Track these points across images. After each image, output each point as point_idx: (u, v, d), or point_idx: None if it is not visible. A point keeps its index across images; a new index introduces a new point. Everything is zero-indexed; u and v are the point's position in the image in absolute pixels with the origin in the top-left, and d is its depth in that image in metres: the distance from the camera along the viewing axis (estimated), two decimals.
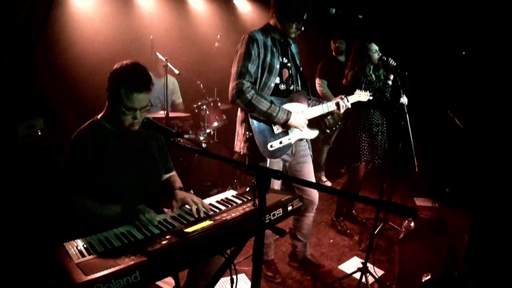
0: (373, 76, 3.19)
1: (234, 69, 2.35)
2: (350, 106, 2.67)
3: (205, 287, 1.81)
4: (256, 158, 2.39)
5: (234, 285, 1.59)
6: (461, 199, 4.03)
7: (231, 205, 1.79)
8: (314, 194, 2.68)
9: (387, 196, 3.41)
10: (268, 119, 2.36)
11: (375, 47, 3.12)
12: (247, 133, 2.40)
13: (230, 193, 1.96)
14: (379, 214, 2.62)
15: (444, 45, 4.45)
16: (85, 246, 1.40)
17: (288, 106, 2.46)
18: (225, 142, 4.23)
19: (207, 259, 1.83)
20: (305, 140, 2.65)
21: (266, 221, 1.61)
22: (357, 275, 2.61)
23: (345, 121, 3.40)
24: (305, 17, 2.32)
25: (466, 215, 3.43)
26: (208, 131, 4.07)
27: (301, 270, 2.91)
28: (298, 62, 2.60)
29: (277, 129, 2.43)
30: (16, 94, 2.71)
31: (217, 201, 1.85)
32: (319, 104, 2.62)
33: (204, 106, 4.00)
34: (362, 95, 2.84)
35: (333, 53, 4.58)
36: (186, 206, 1.76)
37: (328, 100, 2.74)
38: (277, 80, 2.43)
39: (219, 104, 4.24)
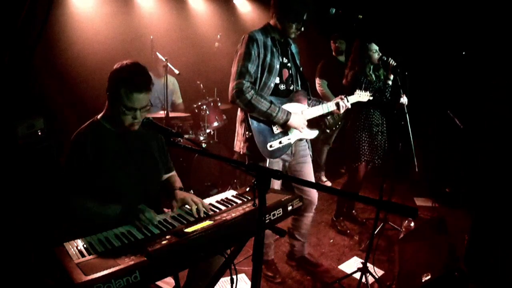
0: (373, 76, 3.19)
1: (234, 69, 2.35)
2: (350, 107, 2.67)
3: (205, 287, 1.81)
4: (256, 158, 2.39)
5: (234, 285, 1.59)
6: (461, 199, 4.03)
7: (231, 205, 1.79)
8: (314, 194, 2.68)
9: (387, 196, 3.41)
10: (268, 119, 2.36)
11: (375, 47, 3.12)
12: (247, 133, 2.40)
13: (230, 193, 1.96)
14: (379, 214, 2.62)
15: (444, 45, 4.45)
16: (85, 246, 1.40)
17: (288, 106, 2.46)
18: (225, 142, 4.23)
19: (207, 259, 1.83)
20: (305, 140, 2.65)
21: (266, 221, 1.61)
22: (357, 275, 2.61)
23: (345, 121, 3.40)
24: (305, 17, 2.32)
25: (466, 215, 3.43)
26: (208, 131, 4.07)
27: (301, 270, 2.91)
28: (298, 62, 2.60)
29: (276, 129, 2.43)
30: (16, 94, 2.71)
31: (217, 201, 1.85)
32: (319, 104, 2.62)
33: (204, 106, 4.00)
34: (362, 95, 2.84)
35: (333, 53, 4.58)
36: (186, 206, 1.76)
37: (328, 100, 2.74)
38: (277, 80, 2.43)
39: (219, 104, 4.24)
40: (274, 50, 2.40)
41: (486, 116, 3.54)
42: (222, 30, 4.82)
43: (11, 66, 2.44)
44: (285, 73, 2.49)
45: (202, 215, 1.68)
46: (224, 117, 4.26)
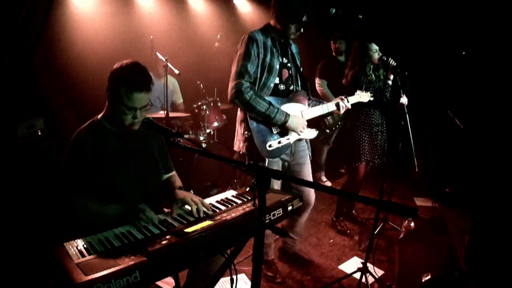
0: (373, 76, 3.19)
1: (233, 69, 2.36)
2: (350, 107, 2.67)
3: (205, 287, 1.81)
4: (255, 157, 2.39)
5: (234, 285, 1.59)
6: (461, 199, 4.03)
7: (231, 205, 1.79)
8: (311, 195, 2.69)
9: (387, 196, 3.41)
10: (267, 120, 2.37)
11: (375, 47, 3.12)
12: (246, 132, 2.40)
13: (230, 193, 1.95)
14: (379, 214, 2.62)
15: (444, 45, 4.45)
16: (85, 246, 1.40)
17: (287, 106, 2.46)
18: (225, 142, 4.23)
19: (207, 259, 1.83)
20: (304, 141, 2.65)
21: (266, 221, 1.61)
22: (357, 275, 2.61)
23: (345, 121, 3.40)
24: (304, 18, 2.32)
25: (466, 215, 3.43)
26: (208, 131, 4.07)
27: (301, 270, 2.91)
28: (298, 62, 2.60)
29: (276, 129, 2.43)
30: (16, 94, 2.71)
31: (217, 201, 1.85)
32: (319, 104, 2.62)
33: (204, 106, 4.00)
34: (362, 96, 2.85)
35: (333, 53, 4.58)
36: (186, 206, 1.76)
37: (328, 100, 2.74)
38: (277, 80, 2.43)
39: (219, 104, 4.24)
40: (274, 50, 2.40)
41: (486, 116, 3.54)
42: (222, 30, 4.82)
43: (11, 66, 2.44)
44: (285, 73, 2.49)
45: (202, 215, 1.68)
46: (224, 117, 4.26)
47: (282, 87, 2.47)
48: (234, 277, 1.58)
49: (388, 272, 2.90)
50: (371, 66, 3.19)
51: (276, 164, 2.49)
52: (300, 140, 2.60)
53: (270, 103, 2.32)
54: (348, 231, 3.51)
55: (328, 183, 4.77)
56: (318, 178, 4.78)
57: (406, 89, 3.01)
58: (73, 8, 3.82)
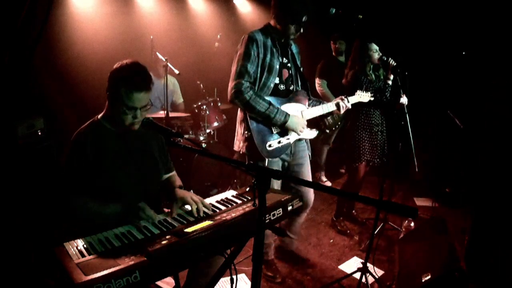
0: (373, 75, 3.20)
1: (233, 69, 2.36)
2: (350, 107, 2.67)
3: (205, 287, 1.81)
4: (255, 157, 2.39)
5: (234, 285, 1.59)
6: (461, 199, 4.03)
7: (231, 205, 1.78)
8: (311, 195, 2.69)
9: (387, 196, 3.41)
10: (266, 120, 2.37)
11: (375, 46, 3.12)
12: (246, 132, 2.40)
13: (230, 193, 1.95)
14: (379, 214, 2.62)
15: (444, 45, 4.45)
16: (85, 246, 1.40)
17: (287, 106, 2.46)
18: (225, 142, 4.23)
19: (207, 259, 1.83)
20: (304, 141, 2.65)
21: (266, 221, 1.61)
22: (357, 275, 2.61)
23: (345, 121, 3.40)
24: (304, 19, 2.32)
25: (466, 215, 3.43)
26: (208, 131, 4.07)
27: (301, 270, 2.91)
28: (298, 62, 2.60)
29: (276, 129, 2.43)
30: (16, 94, 2.71)
31: (217, 201, 1.85)
32: (319, 104, 2.62)
33: (204, 106, 4.00)
34: (363, 96, 2.85)
35: (333, 54, 4.58)
36: (187, 206, 1.76)
37: (328, 100, 2.74)
38: (277, 80, 2.43)
39: (219, 104, 4.24)
40: (274, 50, 2.40)
41: (486, 116, 3.54)
42: (222, 30, 4.82)
43: (11, 66, 2.44)
44: (285, 73, 2.49)
45: (201, 214, 1.68)
46: (224, 117, 4.26)
47: (282, 87, 2.47)
48: (234, 277, 1.58)
49: (388, 272, 2.90)
50: (371, 66, 3.19)
51: (276, 164, 2.49)
52: (300, 140, 2.60)
53: (270, 103, 2.32)
54: (348, 231, 3.51)
55: (328, 183, 4.77)
56: (318, 178, 4.78)
57: (406, 89, 3.01)
58: (73, 8, 3.82)
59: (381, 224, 3.30)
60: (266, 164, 2.41)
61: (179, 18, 4.80)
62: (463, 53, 4.39)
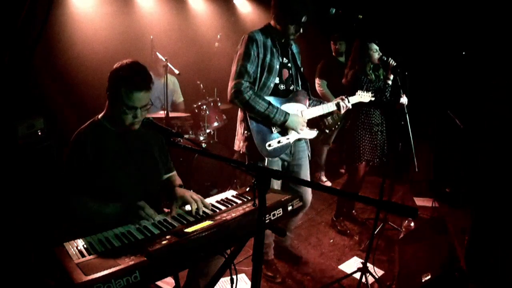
0: (373, 75, 3.20)
1: (233, 69, 2.37)
2: (350, 107, 2.67)
3: (205, 287, 1.81)
4: (255, 157, 2.39)
5: (234, 285, 1.59)
6: (461, 199, 4.03)
7: (231, 205, 1.78)
8: (309, 196, 2.69)
9: (387, 196, 3.41)
10: (266, 120, 2.37)
11: (375, 46, 3.12)
12: (246, 132, 2.41)
13: (230, 193, 1.95)
14: (379, 214, 2.62)
15: (444, 45, 4.45)
16: (85, 246, 1.40)
17: (287, 106, 2.46)
18: (225, 142, 4.23)
19: (207, 259, 1.83)
20: (304, 141, 2.65)
21: (266, 221, 1.61)
22: (357, 275, 2.61)
23: (344, 121, 3.41)
24: (304, 19, 2.32)
25: (466, 215, 3.43)
26: (208, 131, 4.07)
27: (301, 270, 2.91)
28: (298, 62, 2.60)
29: (275, 129, 2.43)
30: (16, 94, 2.71)
31: (217, 201, 1.85)
32: (319, 104, 2.62)
33: (204, 106, 4.00)
34: (363, 96, 2.85)
35: (333, 54, 4.58)
36: (187, 206, 1.76)
37: (328, 100, 2.74)
38: (277, 80, 2.43)
39: (219, 104, 4.24)
40: (274, 50, 2.40)
41: (486, 116, 3.53)
42: (222, 30, 4.82)
43: (11, 66, 2.44)
44: (285, 73, 2.49)
45: (201, 213, 1.68)
46: (224, 117, 4.26)
47: (282, 87, 2.47)
48: (234, 277, 1.58)
49: (388, 272, 2.90)
50: (371, 66, 3.19)
51: (276, 164, 2.50)
52: (299, 140, 2.60)
53: (269, 103, 2.32)
54: (348, 231, 3.51)
55: (328, 183, 4.77)
56: (318, 178, 4.78)
57: (406, 89, 3.01)
58: (73, 8, 3.82)
59: (381, 224, 3.30)
60: (266, 164, 2.41)
61: (179, 18, 4.80)
62: (463, 53, 4.38)
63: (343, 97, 2.66)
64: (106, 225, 1.58)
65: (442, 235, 2.63)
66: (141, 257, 1.27)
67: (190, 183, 3.72)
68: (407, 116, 2.96)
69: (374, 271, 2.67)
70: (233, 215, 1.60)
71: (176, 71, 3.85)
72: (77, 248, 1.38)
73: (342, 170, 5.09)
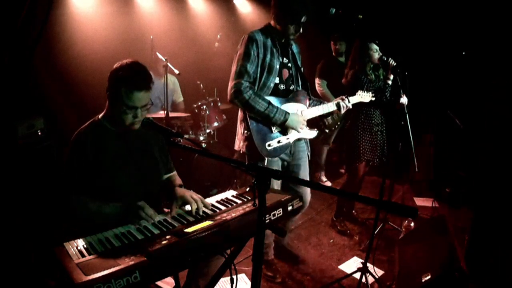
0: (373, 75, 3.20)
1: (233, 69, 2.37)
2: (351, 107, 2.68)
3: (205, 287, 1.81)
4: (255, 157, 2.39)
5: (234, 285, 1.59)
6: (461, 199, 4.03)
7: (231, 205, 1.78)
8: (308, 195, 2.69)
9: (387, 196, 3.41)
10: (266, 120, 2.37)
11: (375, 46, 3.12)
12: (246, 132, 2.41)
13: (230, 193, 1.95)
14: (379, 214, 2.62)
15: (444, 45, 4.45)
16: (85, 246, 1.40)
17: (287, 106, 2.46)
18: (225, 142, 4.23)
19: (207, 259, 1.83)
20: (303, 141, 2.65)
21: (266, 221, 1.61)
22: (357, 275, 2.61)
23: (344, 121, 3.40)
24: (303, 19, 2.32)
25: (466, 215, 3.43)
26: (208, 131, 4.07)
27: (301, 270, 2.91)
28: (299, 62, 2.60)
29: (275, 129, 2.43)
30: (16, 94, 2.71)
31: (217, 201, 1.85)
32: (320, 104, 2.62)
33: (204, 106, 4.00)
34: (364, 96, 2.85)
35: (333, 54, 4.58)
36: (187, 206, 1.76)
37: (328, 100, 2.74)
38: (277, 80, 2.43)
39: (219, 104, 4.24)
40: (274, 50, 2.40)
41: (486, 116, 3.54)
42: (222, 30, 4.82)
43: (11, 66, 2.44)
44: (285, 73, 2.49)
45: (201, 213, 1.68)
46: (224, 117, 4.26)
47: (282, 86, 2.47)
48: (234, 277, 1.58)
49: (388, 272, 2.90)
50: (371, 66, 3.19)
51: (276, 164, 2.50)
52: (299, 140, 2.60)
53: (269, 103, 2.32)
54: (348, 231, 3.51)
55: (328, 183, 4.77)
56: (318, 178, 4.78)
57: (406, 89, 3.01)
58: (73, 8, 3.82)
59: (381, 224, 3.30)
60: (266, 164, 2.41)
61: (179, 18, 4.80)
62: (463, 53, 4.38)
63: (344, 97, 2.66)
64: (106, 225, 1.57)
65: (442, 235, 2.62)
66: (141, 257, 1.27)
67: (190, 183, 3.71)
68: (407, 116, 2.96)
69: (374, 271, 2.67)
70: (233, 215, 1.60)
71: (176, 71, 3.85)
72: (77, 248, 1.38)
73: (342, 170, 5.09)
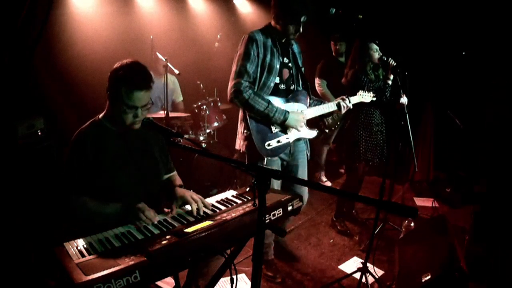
0: (373, 75, 3.20)
1: (233, 69, 2.37)
2: (351, 107, 2.67)
3: (205, 287, 1.81)
4: (254, 156, 2.40)
5: (234, 285, 1.59)
6: (461, 199, 4.03)
7: (231, 205, 1.78)
8: (306, 195, 2.69)
9: (387, 196, 3.41)
10: (266, 119, 2.37)
11: (375, 46, 3.12)
12: (245, 131, 2.41)
13: (230, 193, 1.95)
14: (379, 214, 2.62)
15: (444, 45, 4.45)
16: (85, 246, 1.40)
17: (287, 105, 2.46)
18: (225, 142, 4.23)
19: (207, 259, 1.83)
20: (303, 141, 2.65)
21: (266, 221, 1.61)
22: (357, 275, 2.61)
23: (344, 121, 3.40)
24: (303, 19, 2.32)
25: (466, 215, 3.43)
26: (208, 131, 4.07)
27: (301, 270, 2.91)
28: (299, 62, 2.60)
29: (275, 128, 2.43)
30: (16, 94, 2.71)
31: (217, 201, 1.85)
32: (320, 104, 2.62)
33: (204, 106, 4.00)
34: (364, 96, 2.85)
35: (333, 54, 4.58)
36: (187, 206, 1.76)
37: (328, 100, 2.74)
38: (277, 80, 2.43)
39: (219, 104, 4.24)
40: (274, 50, 2.41)
41: (486, 116, 3.54)
42: (222, 30, 4.82)
43: (11, 66, 2.44)
44: (286, 73, 2.49)
45: (201, 213, 1.68)
46: (224, 117, 4.26)
47: (282, 86, 2.47)
48: (234, 277, 1.58)
49: (388, 272, 2.90)
50: (371, 66, 3.19)
51: (276, 164, 2.50)
52: (299, 140, 2.60)
53: (269, 102, 2.33)
54: (348, 231, 3.51)
55: (328, 183, 4.77)
56: (318, 178, 4.78)
57: (406, 89, 3.01)
58: (73, 8, 3.81)
59: (381, 224, 3.30)
60: (266, 164, 2.41)
61: (179, 18, 4.80)
62: (463, 53, 4.38)
63: (344, 97, 2.66)
64: (106, 225, 1.57)
65: (442, 235, 2.62)
66: (141, 257, 1.27)
67: (190, 183, 3.71)
68: (407, 116, 2.96)
69: (374, 271, 2.67)
70: (233, 215, 1.60)
71: (176, 71, 3.85)
72: (77, 248, 1.38)
73: (342, 170, 5.09)
